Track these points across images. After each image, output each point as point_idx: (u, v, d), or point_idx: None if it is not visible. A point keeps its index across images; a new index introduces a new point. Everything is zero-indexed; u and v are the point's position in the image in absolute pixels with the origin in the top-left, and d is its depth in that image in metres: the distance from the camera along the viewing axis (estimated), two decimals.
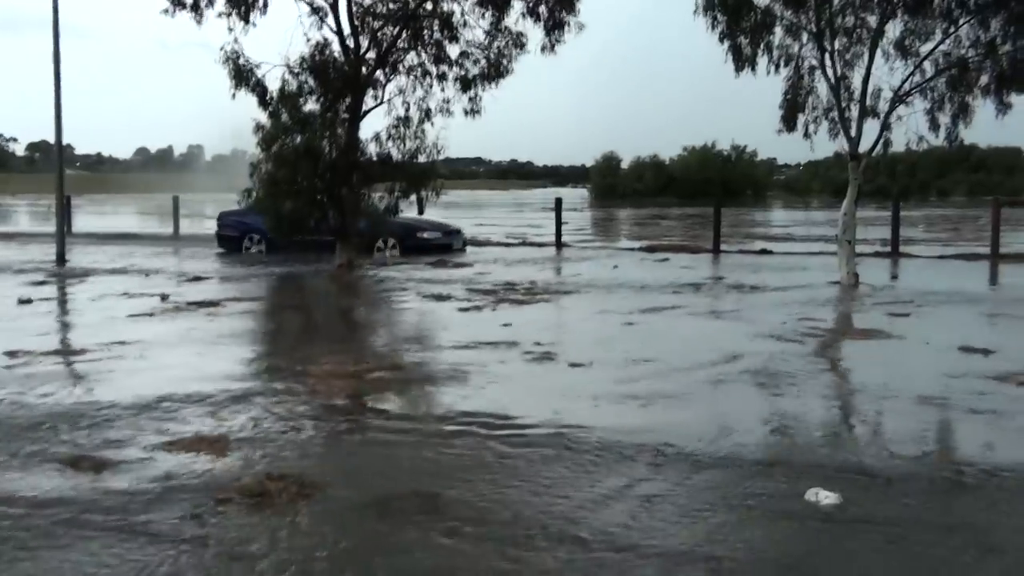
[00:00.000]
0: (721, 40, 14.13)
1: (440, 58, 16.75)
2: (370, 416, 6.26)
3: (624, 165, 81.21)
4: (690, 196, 57.87)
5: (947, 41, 13.58)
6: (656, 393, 6.69)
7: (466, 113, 16.76)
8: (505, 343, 8.76)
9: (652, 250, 21.20)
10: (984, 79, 13.53)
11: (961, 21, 13.35)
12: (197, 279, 14.76)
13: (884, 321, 10.33)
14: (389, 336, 10.67)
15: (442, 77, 16.75)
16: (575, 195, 71.12)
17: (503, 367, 7.76)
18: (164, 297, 12.11)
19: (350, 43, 16.27)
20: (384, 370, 7.64)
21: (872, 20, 13.63)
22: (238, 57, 15.81)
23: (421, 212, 17.94)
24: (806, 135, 14.31)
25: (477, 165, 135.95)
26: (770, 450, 5.28)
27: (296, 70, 16.01)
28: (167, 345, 8.80)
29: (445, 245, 19.98)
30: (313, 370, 7.44)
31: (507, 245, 22.50)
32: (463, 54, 16.75)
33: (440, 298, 12.38)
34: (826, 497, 4.35)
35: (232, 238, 20.22)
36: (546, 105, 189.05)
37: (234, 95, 15.89)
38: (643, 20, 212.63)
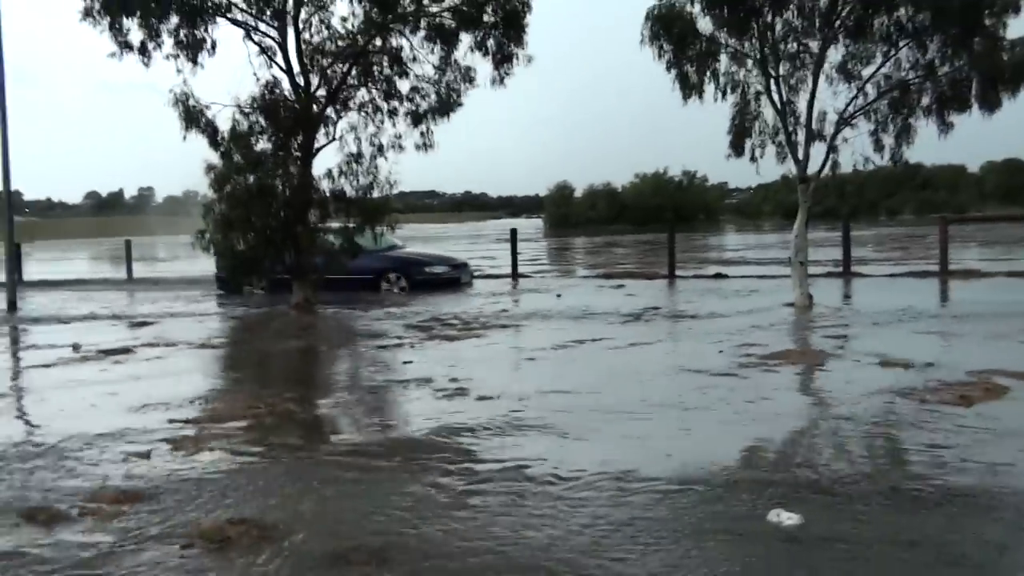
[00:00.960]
0: (668, 69, 14.34)
1: (391, 94, 16.79)
2: (290, 456, 6.03)
3: (577, 194, 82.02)
4: (643, 223, 58.47)
5: (888, 64, 13.84)
6: (584, 424, 6.65)
7: (418, 148, 16.82)
8: (416, 380, 8.74)
9: (608, 277, 21.36)
10: (925, 100, 13.81)
11: (900, 44, 13.63)
12: (142, 324, 14.34)
13: (825, 343, 10.44)
14: (308, 379, 10.27)
15: (393, 112, 16.79)
16: (530, 225, 71.43)
17: (416, 404, 7.78)
18: (76, 347, 11.53)
19: (300, 81, 16.26)
20: (295, 413, 7.49)
21: (814, 46, 13.87)
22: (187, 98, 15.75)
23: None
24: (753, 159, 14.50)
25: (431, 198, 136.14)
26: (718, 476, 5.25)
27: (246, 110, 15.98)
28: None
29: (453, 279, 19.72)
30: (213, 413, 7.36)
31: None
32: (413, 89, 16.81)
33: (374, 335, 12.30)
34: (788, 518, 4.37)
35: None
36: (499, 136, 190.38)
37: (185, 136, 15.82)
38: (592, 49, 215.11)
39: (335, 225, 16.96)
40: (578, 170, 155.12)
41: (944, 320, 12.67)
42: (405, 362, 9.96)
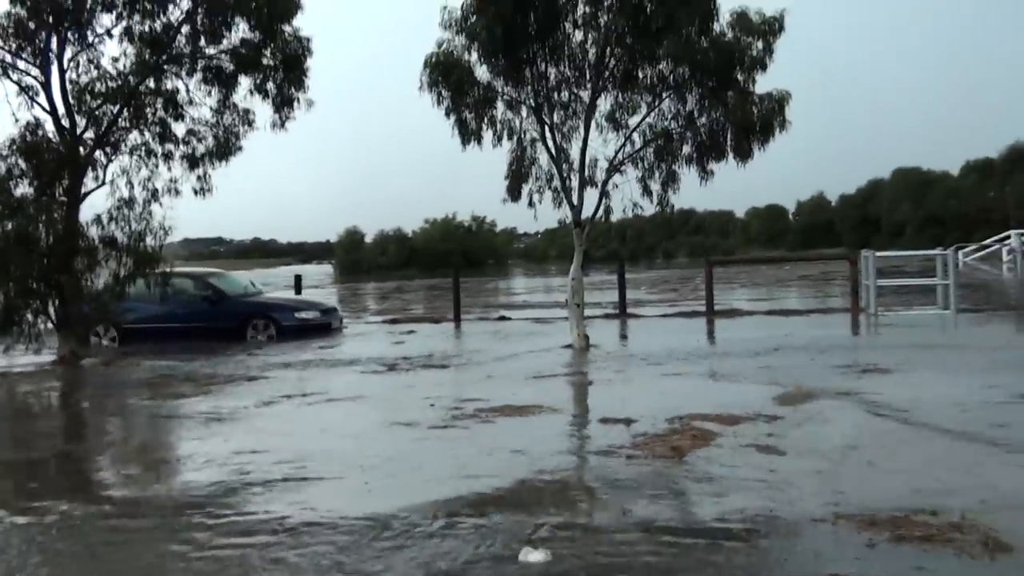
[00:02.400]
0: (447, 115, 14.57)
1: (165, 136, 16.26)
2: None
3: (368, 239, 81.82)
4: (433, 267, 58.99)
5: (652, 114, 14.63)
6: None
7: (195, 192, 16.37)
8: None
9: (395, 323, 21.34)
10: (687, 149, 14.65)
11: (663, 95, 14.45)
12: None
13: (572, 392, 10.76)
14: None
15: (168, 156, 16.26)
16: (320, 271, 70.37)
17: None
18: None
19: (65, 123, 15.48)
20: None
21: (585, 95, 14.48)
22: None
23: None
24: (531, 204, 14.87)
25: (218, 245, 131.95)
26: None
27: (5, 152, 15.01)
28: None
29: (324, 325, 18.75)
30: None
31: None
32: (190, 132, 16.41)
33: (104, 394, 12.00)
34: (536, 557, 4.50)
35: None
36: (288, 182, 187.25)
37: None
38: (381, 94, 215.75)
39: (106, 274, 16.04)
40: (369, 216, 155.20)
41: (692, 361, 12.52)
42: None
